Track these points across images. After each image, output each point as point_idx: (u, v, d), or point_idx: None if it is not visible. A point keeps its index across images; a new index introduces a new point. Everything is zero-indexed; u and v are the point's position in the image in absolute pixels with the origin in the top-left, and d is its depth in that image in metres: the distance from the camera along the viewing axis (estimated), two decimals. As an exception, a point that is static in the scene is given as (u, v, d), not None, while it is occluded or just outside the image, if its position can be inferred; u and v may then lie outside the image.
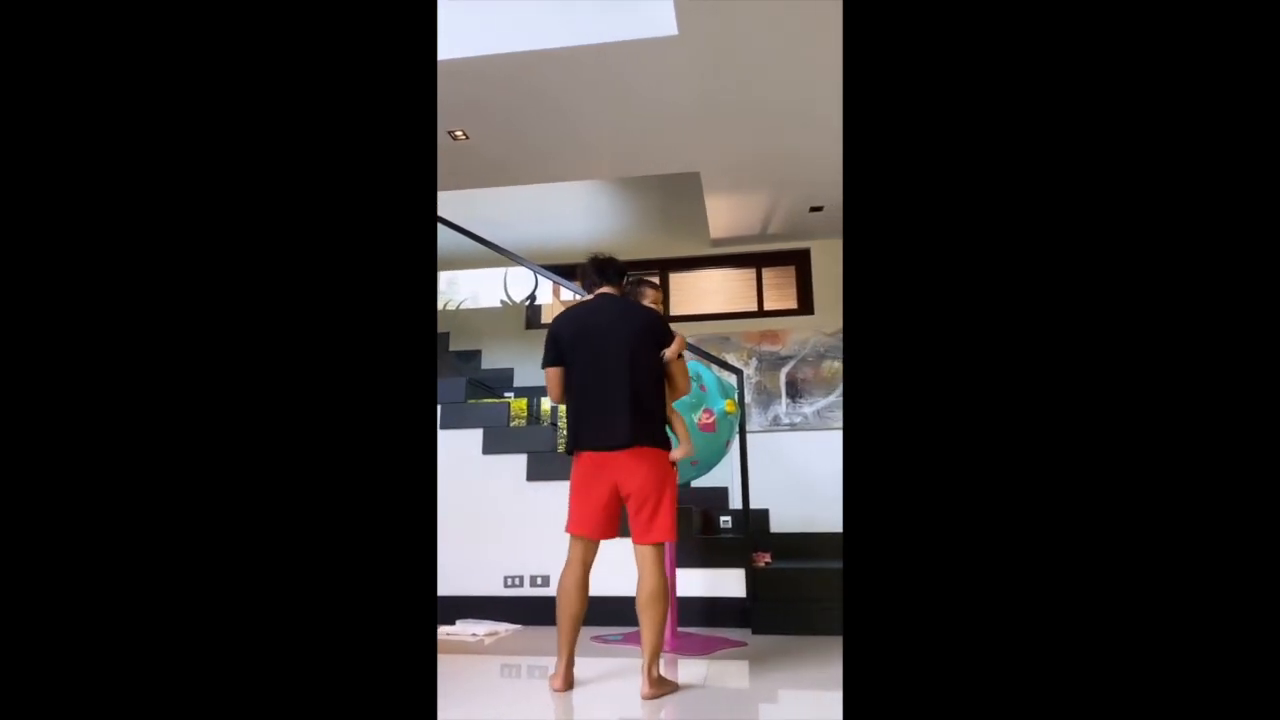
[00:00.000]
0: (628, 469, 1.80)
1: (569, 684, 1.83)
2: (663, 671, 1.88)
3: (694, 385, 2.46)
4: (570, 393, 1.90)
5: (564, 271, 3.88)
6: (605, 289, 1.98)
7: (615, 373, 1.83)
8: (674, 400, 1.96)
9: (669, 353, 1.90)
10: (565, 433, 1.94)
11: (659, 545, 1.82)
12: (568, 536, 1.88)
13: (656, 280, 2.29)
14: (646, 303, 2.15)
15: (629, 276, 2.23)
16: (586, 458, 1.84)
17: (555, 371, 1.91)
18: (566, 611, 1.82)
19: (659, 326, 1.92)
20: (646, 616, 1.77)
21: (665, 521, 1.81)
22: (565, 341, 1.89)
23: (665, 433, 1.89)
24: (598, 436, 1.82)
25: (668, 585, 1.82)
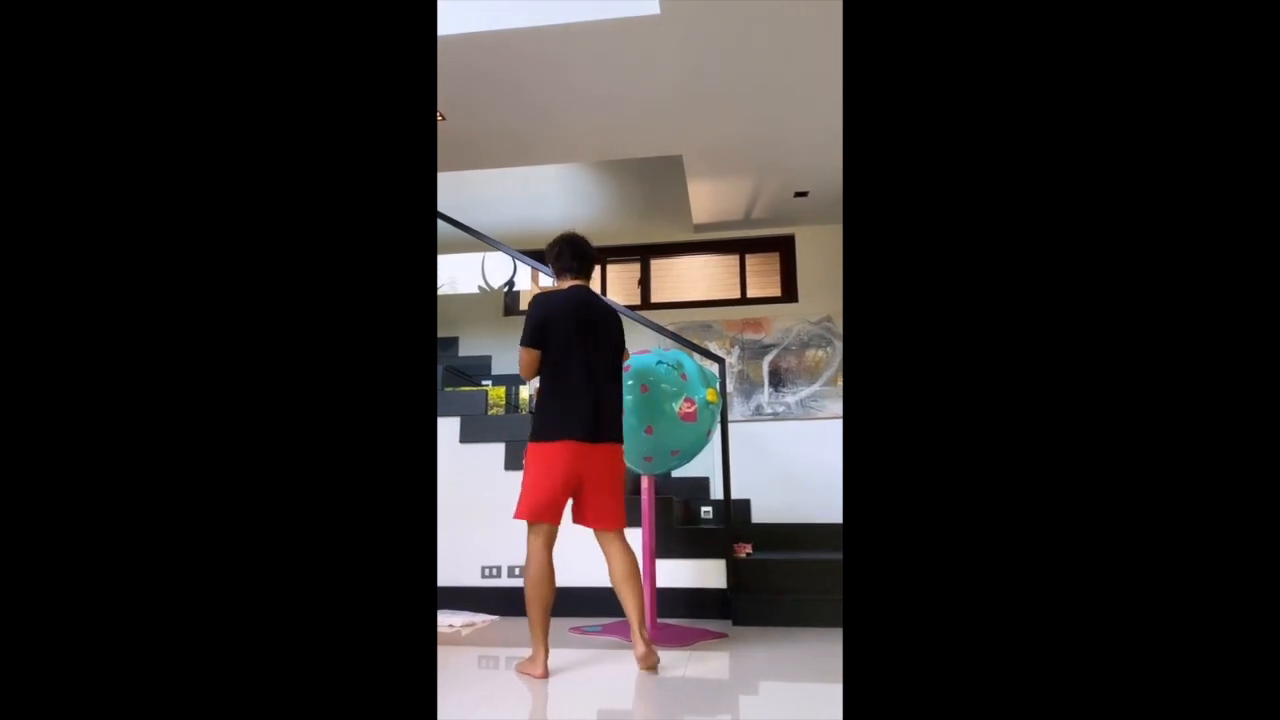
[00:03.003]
0: (600, 461, 1.94)
1: (548, 671, 1.90)
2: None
3: (675, 374, 2.46)
4: (549, 378, 1.95)
5: (543, 257, 3.83)
6: (581, 281, 2.08)
7: (603, 371, 1.97)
8: None
9: (628, 360, 2.17)
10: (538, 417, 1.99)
11: (619, 531, 1.99)
12: (525, 524, 1.98)
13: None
14: None
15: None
16: (564, 446, 1.90)
17: (537, 353, 1.97)
18: (541, 599, 1.89)
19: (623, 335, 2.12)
20: (627, 591, 1.93)
21: (620, 509, 2.00)
22: (553, 326, 1.94)
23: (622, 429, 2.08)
24: (584, 429, 1.91)
25: (637, 561, 1.99)
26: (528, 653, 2.05)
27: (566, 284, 2.07)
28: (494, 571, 2.94)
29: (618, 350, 2.06)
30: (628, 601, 1.93)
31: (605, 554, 1.99)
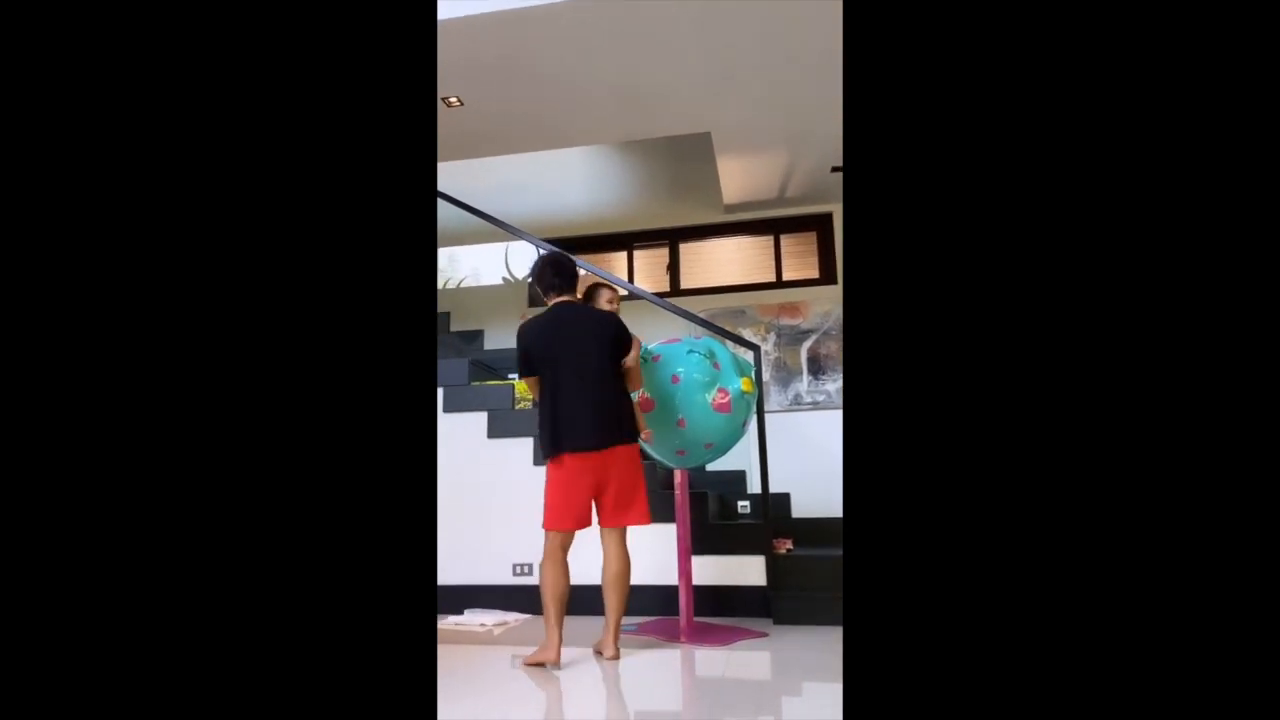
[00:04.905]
0: (609, 466, 2.11)
1: (559, 656, 2.06)
2: (679, 665, 2.05)
3: (707, 363, 2.45)
4: (547, 400, 2.14)
5: (568, 245, 3.84)
6: (565, 297, 2.24)
7: (593, 381, 2.12)
8: (632, 391, 2.29)
9: (629, 360, 2.22)
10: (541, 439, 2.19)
11: (624, 529, 2.16)
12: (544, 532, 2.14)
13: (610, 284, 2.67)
14: (604, 304, 2.40)
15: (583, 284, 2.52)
16: (570, 459, 2.10)
17: (533, 379, 2.21)
18: (555, 594, 2.07)
19: (623, 332, 2.23)
20: (614, 592, 2.11)
21: (641, 508, 2.16)
22: (537, 353, 2.16)
23: (636, 427, 2.21)
24: (581, 440, 2.09)
25: (630, 565, 2.16)
26: (564, 650, 2.09)
27: (551, 302, 2.24)
28: (525, 569, 2.98)
29: (611, 350, 2.17)
30: (610, 603, 2.11)
31: (604, 550, 2.15)
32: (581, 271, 2.50)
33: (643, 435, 2.23)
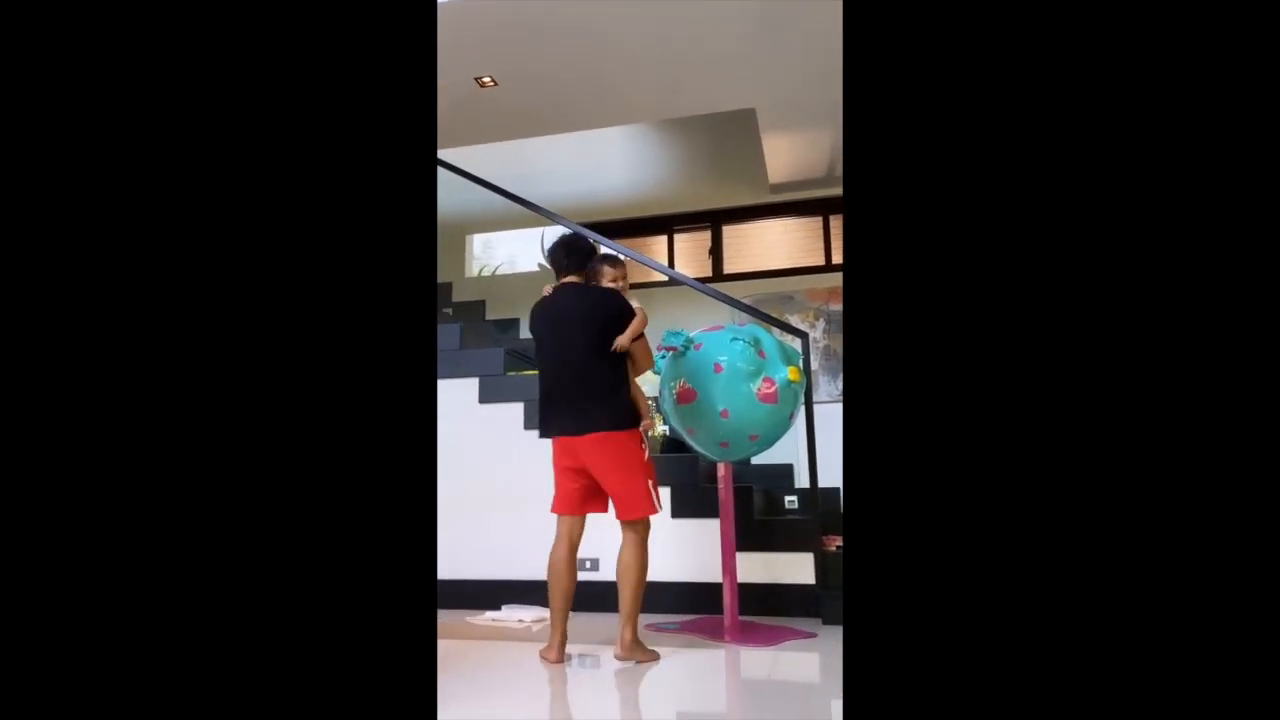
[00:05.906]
0: (594, 453, 2.08)
1: (562, 657, 2.06)
2: (723, 665, 1.99)
3: (752, 351, 2.40)
4: (540, 383, 2.21)
5: (607, 229, 3.82)
6: (571, 278, 2.25)
7: (580, 363, 2.11)
8: (637, 376, 2.27)
9: (621, 341, 2.11)
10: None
11: (637, 521, 2.09)
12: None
13: (618, 256, 2.61)
14: (606, 282, 2.33)
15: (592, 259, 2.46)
16: (557, 443, 2.15)
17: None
18: (558, 588, 2.09)
19: (620, 310, 2.17)
20: (621, 584, 2.08)
21: (637, 498, 2.07)
22: (534, 335, 2.23)
23: (632, 414, 2.13)
24: (565, 424, 2.11)
25: (646, 559, 2.09)
26: (596, 648, 2.13)
27: (562, 283, 2.26)
28: (564, 564, 2.99)
29: (602, 331, 2.10)
30: (621, 596, 2.09)
31: None
32: (622, 257, 2.47)
33: (643, 424, 2.15)
